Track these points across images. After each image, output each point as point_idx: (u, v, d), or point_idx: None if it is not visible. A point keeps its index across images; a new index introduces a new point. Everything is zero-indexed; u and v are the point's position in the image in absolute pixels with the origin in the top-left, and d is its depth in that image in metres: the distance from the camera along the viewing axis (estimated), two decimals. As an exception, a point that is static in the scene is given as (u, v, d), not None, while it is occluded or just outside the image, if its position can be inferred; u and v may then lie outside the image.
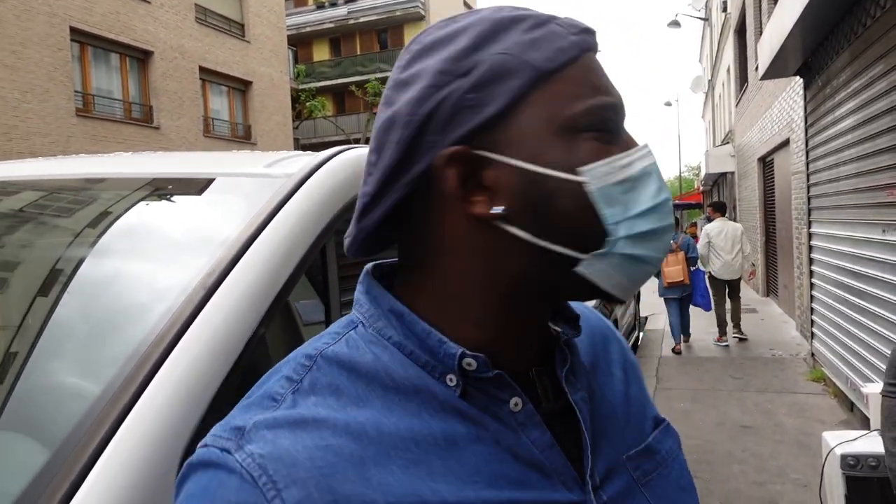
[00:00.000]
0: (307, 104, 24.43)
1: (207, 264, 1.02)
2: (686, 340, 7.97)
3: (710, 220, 8.76)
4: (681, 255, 7.49)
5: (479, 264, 0.53)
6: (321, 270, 1.24)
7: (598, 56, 0.56)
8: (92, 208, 1.34)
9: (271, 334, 1.16)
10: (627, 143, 0.54)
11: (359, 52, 29.78)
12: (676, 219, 8.52)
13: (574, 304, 0.67)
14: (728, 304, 8.03)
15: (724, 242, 7.73)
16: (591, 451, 0.56)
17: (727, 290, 7.95)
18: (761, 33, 7.23)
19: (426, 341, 0.53)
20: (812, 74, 6.22)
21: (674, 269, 7.45)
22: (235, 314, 0.97)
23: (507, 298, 0.54)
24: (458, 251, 0.53)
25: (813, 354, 6.52)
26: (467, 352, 0.52)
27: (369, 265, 0.60)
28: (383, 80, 26.62)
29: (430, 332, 0.53)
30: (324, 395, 0.50)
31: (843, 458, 2.89)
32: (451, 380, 0.52)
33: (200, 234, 1.17)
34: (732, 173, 16.57)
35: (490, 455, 0.51)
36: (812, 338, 6.56)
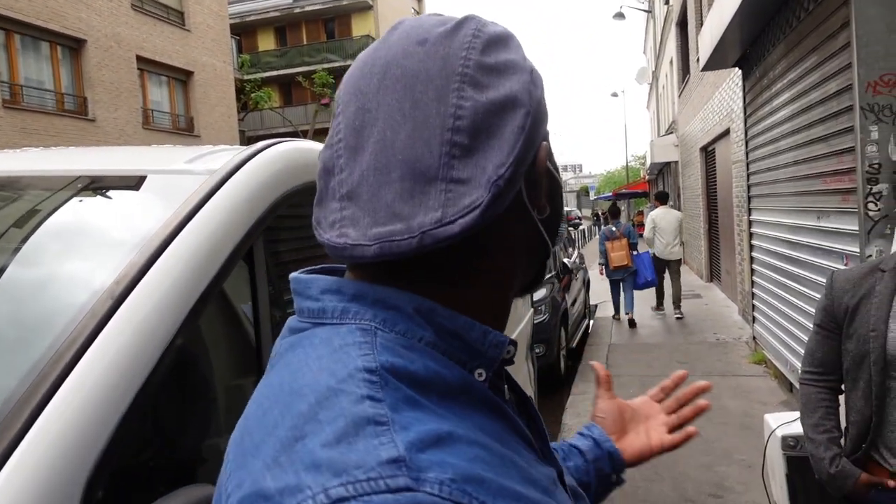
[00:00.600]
0: (252, 95, 23.81)
1: (117, 270, 0.93)
2: (632, 324, 8.71)
3: (654, 208, 9.70)
4: (624, 241, 8.49)
5: (524, 258, 0.56)
6: (248, 271, 1.16)
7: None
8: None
9: (217, 339, 1.08)
10: None
11: (305, 42, 29.20)
12: (619, 209, 9.40)
13: None
14: (669, 284, 9.00)
15: (667, 227, 8.74)
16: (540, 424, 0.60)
17: (667, 270, 8.96)
18: (702, 25, 7.38)
19: (467, 334, 0.50)
20: (750, 66, 6.39)
21: (619, 254, 8.46)
22: (147, 324, 0.89)
23: (523, 290, 0.60)
24: (512, 247, 0.54)
25: (754, 338, 6.74)
26: (511, 338, 0.52)
27: (321, 271, 0.55)
28: (331, 71, 26.20)
29: (472, 324, 0.50)
30: (413, 409, 0.43)
31: (784, 439, 2.97)
32: (480, 374, 0.50)
33: (111, 237, 1.07)
34: (676, 162, 16.99)
35: (518, 444, 0.51)
36: (753, 322, 6.77)
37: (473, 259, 0.52)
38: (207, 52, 17.38)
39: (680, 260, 8.97)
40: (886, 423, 1.70)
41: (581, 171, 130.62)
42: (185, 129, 16.79)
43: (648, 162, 21.78)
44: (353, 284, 0.51)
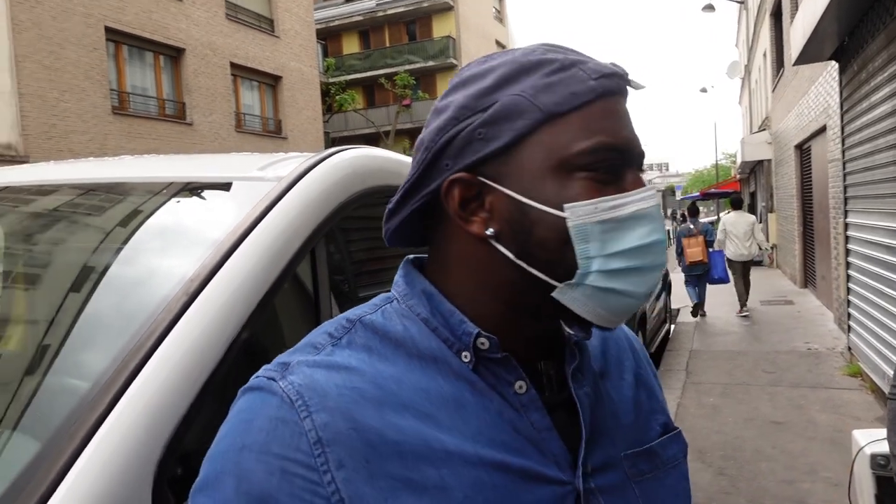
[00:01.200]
0: (337, 98, 24.58)
1: (192, 269, 1.03)
2: (702, 313, 9.34)
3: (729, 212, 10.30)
4: (701, 238, 8.99)
5: (480, 273, 0.61)
6: (312, 272, 1.24)
7: (630, 91, 0.62)
8: (78, 215, 1.37)
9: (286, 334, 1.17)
10: (629, 185, 0.59)
11: (388, 45, 29.82)
12: (697, 207, 10.12)
13: None
14: (740, 285, 9.37)
15: (738, 232, 9.18)
16: (586, 442, 0.61)
17: (738, 271, 9.31)
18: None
19: (449, 320, 0.61)
20: (847, 58, 6.00)
21: (695, 250, 8.97)
22: (216, 319, 0.97)
23: (505, 304, 0.61)
24: (463, 260, 0.62)
25: (850, 348, 6.33)
26: (483, 332, 0.59)
27: (410, 256, 0.68)
28: (412, 72, 26.64)
29: (453, 311, 0.61)
30: (357, 350, 0.59)
31: (874, 457, 2.79)
32: (465, 356, 0.59)
33: (190, 238, 1.18)
34: (769, 161, 16.13)
35: (493, 423, 0.58)
36: (849, 331, 6.36)
37: (447, 258, 0.64)
38: (295, 57, 18.10)
39: (750, 262, 9.43)
40: None
41: (667, 169, 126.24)
42: (273, 132, 17.56)
43: (739, 160, 20.79)
44: (412, 267, 0.66)
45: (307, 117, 18.64)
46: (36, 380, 1.07)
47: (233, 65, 15.78)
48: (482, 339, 0.59)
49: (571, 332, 0.65)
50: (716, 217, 12.51)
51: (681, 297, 10.31)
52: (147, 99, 13.91)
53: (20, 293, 1.35)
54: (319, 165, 1.33)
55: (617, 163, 0.58)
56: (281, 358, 0.59)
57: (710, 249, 9.11)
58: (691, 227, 9.23)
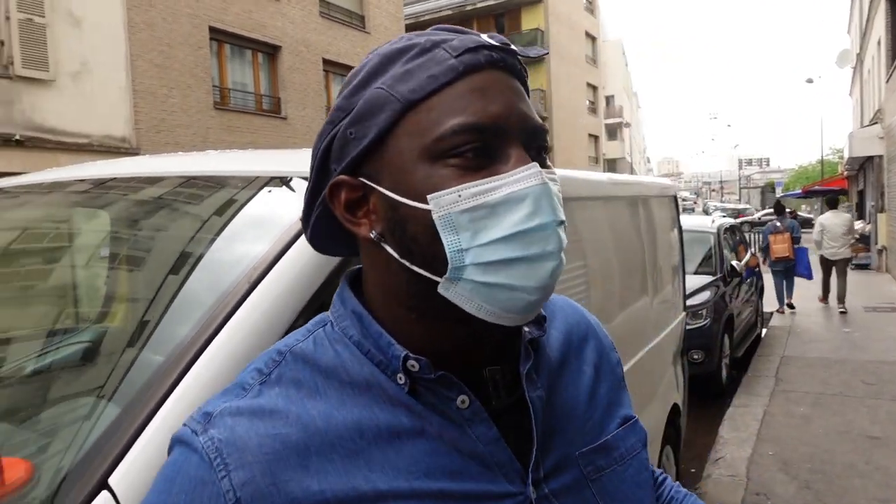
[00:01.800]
0: (424, 92, 24.87)
1: (256, 258, 1.11)
2: (791, 306, 9.63)
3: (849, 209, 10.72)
4: (787, 235, 9.31)
5: (382, 279, 0.59)
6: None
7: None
8: (166, 204, 1.50)
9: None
10: (511, 167, 0.53)
11: (476, 38, 29.83)
12: (783, 206, 10.29)
13: (557, 300, 0.72)
14: (834, 281, 9.61)
15: (835, 230, 9.44)
16: (539, 447, 0.59)
17: (833, 269, 9.59)
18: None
19: (378, 341, 0.58)
20: (974, 45, 5.47)
21: (781, 246, 9.25)
22: (274, 305, 1.05)
23: (410, 311, 0.58)
24: (370, 268, 0.61)
25: (965, 362, 5.80)
26: (411, 354, 0.56)
27: (352, 269, 0.66)
28: (500, 66, 26.52)
29: (381, 333, 0.58)
30: (286, 387, 0.57)
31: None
32: (400, 378, 0.57)
33: (259, 230, 1.27)
34: (880, 157, 14.92)
35: (431, 448, 0.56)
36: (964, 343, 5.82)
37: (364, 271, 0.62)
38: (384, 52, 18.49)
39: (847, 260, 9.62)
40: None
41: (768, 164, 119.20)
42: (362, 126, 18.03)
43: (847, 156, 19.37)
44: (346, 285, 0.63)
45: (394, 111, 18.99)
46: (124, 353, 1.20)
47: (325, 61, 16.32)
48: (412, 362, 0.56)
49: (526, 329, 0.63)
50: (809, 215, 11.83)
51: (773, 300, 9.77)
52: (246, 94, 14.65)
53: (122, 274, 1.50)
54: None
55: (488, 144, 0.54)
56: (206, 405, 0.57)
57: (796, 246, 9.38)
58: (778, 224, 9.45)
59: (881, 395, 5.54)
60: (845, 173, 25.24)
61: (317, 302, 1.13)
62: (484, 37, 0.56)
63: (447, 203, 0.53)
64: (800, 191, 33.27)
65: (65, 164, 2.03)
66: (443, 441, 0.56)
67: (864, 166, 19.66)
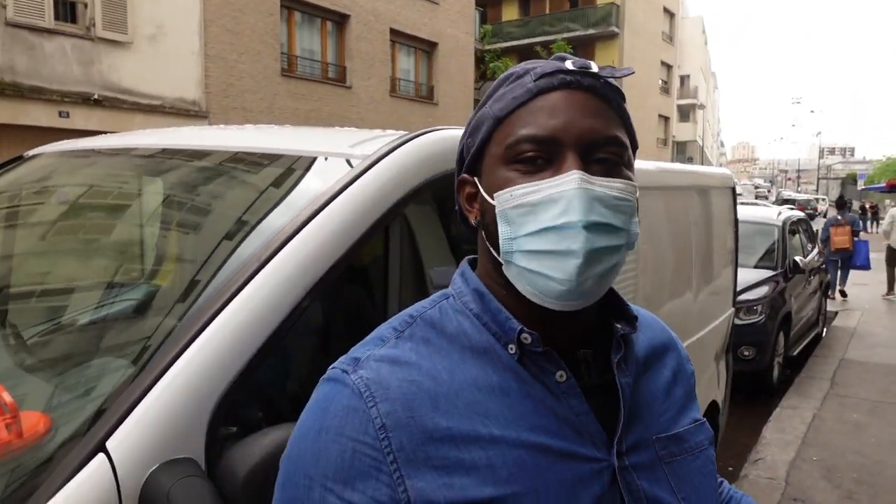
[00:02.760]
0: (491, 65, 24.58)
1: (267, 238, 1.15)
2: (843, 293, 10.38)
3: None
4: (847, 227, 10.10)
5: (483, 259, 0.74)
6: (383, 249, 1.32)
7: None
8: (179, 179, 1.56)
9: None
10: (557, 174, 0.65)
11: (548, 11, 29.14)
12: (845, 200, 11.25)
13: (644, 313, 0.85)
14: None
15: None
16: (623, 425, 0.69)
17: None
18: None
19: (497, 316, 0.70)
20: None
21: (841, 238, 10.00)
22: (282, 285, 1.09)
23: (504, 288, 0.71)
24: (482, 253, 0.74)
25: None
26: (525, 329, 0.68)
27: (469, 256, 0.79)
28: (570, 41, 25.90)
29: (500, 309, 0.70)
30: (417, 343, 0.69)
31: None
32: (511, 349, 0.68)
33: (276, 208, 1.31)
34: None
35: (534, 409, 0.67)
36: None
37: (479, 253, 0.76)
38: (452, 24, 18.31)
39: None
40: None
41: (852, 154, 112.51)
42: (426, 97, 18.02)
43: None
44: (469, 267, 0.76)
45: (459, 84, 18.87)
46: (161, 315, 1.27)
47: (392, 31, 16.31)
48: (525, 335, 0.67)
49: (619, 325, 0.73)
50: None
51: (839, 299, 9.31)
52: (313, 63, 14.84)
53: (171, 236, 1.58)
54: (405, 145, 1.40)
55: (546, 153, 0.66)
56: (353, 352, 0.69)
57: (856, 238, 10.19)
58: (839, 217, 10.30)
59: (946, 409, 5.23)
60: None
61: (328, 281, 1.16)
62: (567, 63, 0.67)
63: (503, 200, 0.67)
64: (884, 184, 31.27)
65: (139, 125, 2.14)
66: (544, 405, 0.67)
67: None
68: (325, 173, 1.33)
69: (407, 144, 1.40)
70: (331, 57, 15.25)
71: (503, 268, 0.69)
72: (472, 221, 0.74)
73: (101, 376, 1.17)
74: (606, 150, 0.67)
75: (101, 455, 0.88)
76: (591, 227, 0.63)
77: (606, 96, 0.68)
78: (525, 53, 29.11)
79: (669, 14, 32.53)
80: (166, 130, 2.04)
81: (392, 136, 1.51)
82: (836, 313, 9.18)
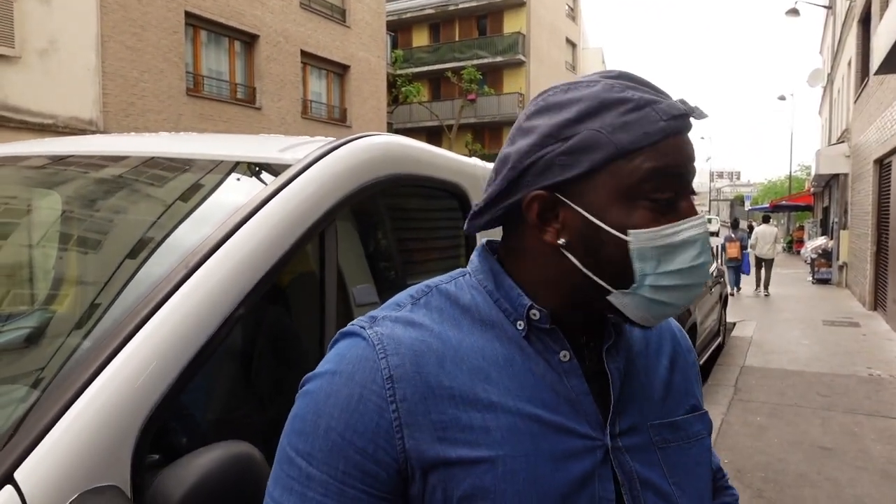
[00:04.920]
0: (403, 89, 24.79)
1: (194, 244, 1.07)
2: (737, 290, 14.00)
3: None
4: (738, 243, 13.86)
5: (547, 269, 0.73)
6: (318, 255, 1.26)
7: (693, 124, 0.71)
8: (106, 184, 1.43)
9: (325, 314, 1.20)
10: (682, 213, 0.69)
11: (457, 38, 29.84)
12: (738, 220, 16.44)
13: None
14: (763, 274, 14.10)
15: (764, 238, 14.05)
16: (615, 407, 0.72)
17: (763, 265, 14.11)
18: (881, 23, 6.59)
19: (510, 293, 0.73)
20: (936, 69, 5.63)
21: (733, 250, 13.76)
22: (212, 294, 1.01)
23: (562, 298, 0.73)
24: (534, 258, 0.74)
25: (915, 377, 5.96)
26: (535, 305, 0.72)
27: (484, 240, 0.81)
28: (480, 67, 26.61)
29: (514, 287, 0.73)
30: (431, 311, 0.72)
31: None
32: (519, 325, 0.72)
33: (196, 216, 1.22)
34: (845, 175, 15.30)
35: (535, 383, 0.70)
36: (916, 359, 5.99)
37: (517, 251, 0.76)
38: (364, 47, 18.36)
39: (772, 259, 14.06)
40: None
41: (738, 178, 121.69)
42: (338, 120, 17.89)
43: (814, 173, 19.81)
44: (486, 250, 0.78)
45: (372, 107, 18.89)
46: (60, 339, 1.14)
47: (303, 52, 16.14)
48: (534, 311, 0.71)
49: (611, 315, 0.76)
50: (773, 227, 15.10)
51: (736, 311, 9.94)
52: (220, 82, 14.40)
53: (71, 256, 1.43)
54: (338, 150, 1.35)
55: (672, 192, 0.68)
56: (372, 313, 0.73)
57: (744, 251, 13.96)
58: (732, 235, 14.17)
59: (834, 408, 5.66)
60: (812, 190, 25.85)
61: (263, 288, 1.09)
62: (679, 104, 0.69)
63: (644, 238, 0.67)
64: (768, 205, 33.98)
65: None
66: (544, 380, 0.70)
67: (829, 183, 20.15)
68: (256, 179, 1.25)
69: (340, 149, 1.35)
70: (239, 77, 14.86)
71: (611, 296, 0.70)
72: (552, 240, 0.71)
73: (4, 405, 1.03)
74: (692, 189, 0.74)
75: (8, 487, 0.77)
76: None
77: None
78: (436, 79, 29.64)
79: (571, 44, 34.16)
80: (65, 138, 1.88)
81: (321, 141, 1.46)
82: (735, 324, 9.78)
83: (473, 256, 0.79)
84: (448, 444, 0.65)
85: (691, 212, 0.69)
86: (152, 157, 1.45)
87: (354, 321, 0.72)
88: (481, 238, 0.82)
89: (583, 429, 0.69)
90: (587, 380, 0.72)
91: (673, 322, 0.89)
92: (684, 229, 0.68)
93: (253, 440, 0.95)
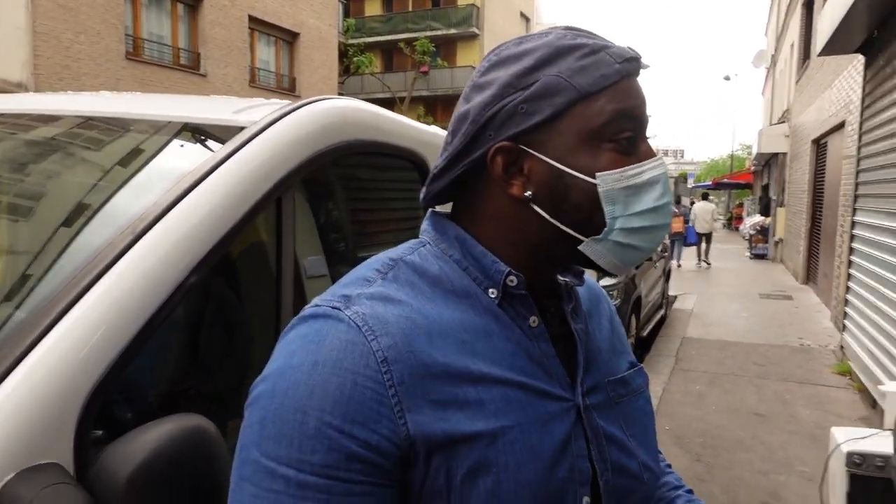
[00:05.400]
0: (354, 59, 24.28)
1: (142, 209, 1.01)
2: (679, 265, 14.66)
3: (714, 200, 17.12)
4: (681, 217, 14.72)
5: (514, 228, 0.71)
6: (276, 222, 1.22)
7: (643, 70, 0.71)
8: (56, 143, 1.34)
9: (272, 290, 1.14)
10: (643, 155, 0.69)
11: (411, 9, 29.34)
12: (680, 196, 16.20)
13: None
14: (703, 247, 15.32)
15: (702, 214, 15.60)
16: (582, 368, 0.74)
17: (703, 239, 15.40)
18: (823, 6, 6.79)
19: (481, 261, 0.71)
20: (875, 52, 5.85)
21: (677, 225, 14.29)
22: (161, 262, 0.96)
23: (531, 254, 0.72)
24: (499, 218, 0.72)
25: (842, 347, 6.31)
26: (512, 271, 0.70)
27: (431, 210, 0.77)
28: (433, 39, 26.26)
29: (486, 253, 0.71)
30: (402, 285, 0.68)
31: (850, 455, 2.79)
32: (492, 293, 0.70)
33: (145, 179, 1.16)
34: (784, 154, 15.89)
35: (513, 350, 0.69)
36: (843, 330, 6.33)
37: (480, 213, 0.73)
38: (315, 14, 17.84)
39: (711, 233, 15.56)
40: None
41: (682, 156, 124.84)
42: (287, 89, 17.40)
43: (755, 152, 20.50)
44: (441, 217, 0.75)
45: (322, 76, 18.43)
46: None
47: (251, 18, 15.56)
48: (511, 277, 0.70)
49: (565, 279, 0.78)
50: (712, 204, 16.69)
51: (678, 285, 10.27)
52: (162, 47, 13.77)
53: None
54: (296, 112, 1.30)
55: (634, 134, 0.68)
56: (338, 290, 0.67)
57: (687, 224, 15.28)
58: (676, 210, 14.02)
59: (768, 376, 5.95)
60: (752, 168, 26.76)
61: (217, 256, 1.04)
62: (630, 49, 0.70)
63: (612, 180, 0.67)
64: (710, 182, 35.02)
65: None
66: (520, 347, 0.69)
67: (769, 162, 20.90)
68: (208, 141, 1.19)
69: (299, 111, 1.30)
70: (183, 42, 14.24)
71: (582, 245, 0.69)
72: (519, 193, 0.69)
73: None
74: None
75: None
76: None
77: None
78: (389, 50, 29.13)
79: (525, 19, 34.06)
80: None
81: (278, 103, 1.40)
82: (676, 297, 10.11)
83: (426, 226, 0.76)
84: (449, 422, 0.62)
85: (651, 153, 0.70)
86: (90, 118, 1.36)
87: (319, 301, 0.66)
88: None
89: (557, 391, 0.70)
90: (553, 343, 0.72)
91: (596, 284, 0.91)
92: (648, 169, 0.69)
93: (203, 413, 0.92)
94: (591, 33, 0.71)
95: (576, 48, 0.68)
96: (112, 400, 0.98)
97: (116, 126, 1.34)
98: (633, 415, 0.79)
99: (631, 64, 0.69)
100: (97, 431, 0.93)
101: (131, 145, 1.27)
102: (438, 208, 0.78)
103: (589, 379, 0.74)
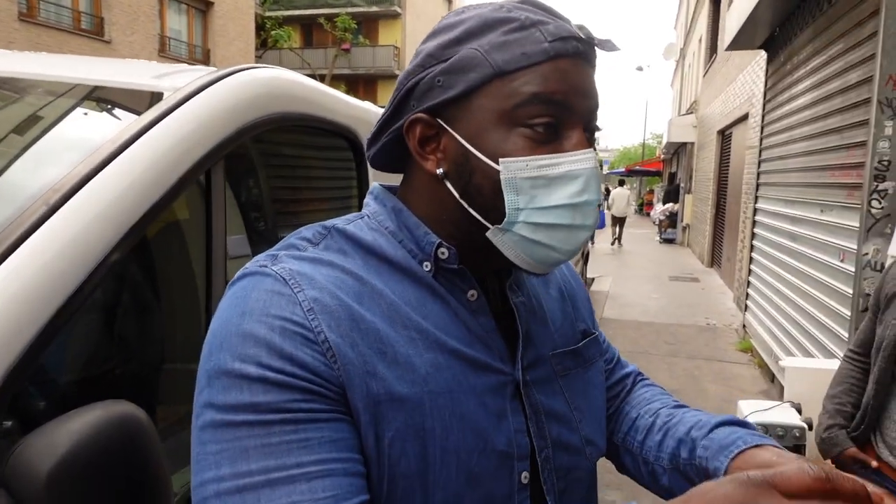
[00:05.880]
0: (273, 33, 23.40)
1: (56, 179, 0.91)
2: (592, 244, 14.21)
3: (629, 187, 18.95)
4: None
5: (435, 203, 0.69)
6: (204, 194, 1.14)
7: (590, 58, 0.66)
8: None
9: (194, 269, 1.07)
10: (569, 146, 0.64)
11: (331, -17, 28.54)
12: (622, 180, 16.23)
13: None
14: (618, 230, 16.60)
15: (619, 199, 16.42)
16: (523, 342, 0.72)
17: (618, 223, 16.55)
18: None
19: (414, 232, 0.69)
20: (776, 49, 6.21)
21: None
22: (80, 237, 0.87)
23: (457, 230, 0.69)
24: (422, 191, 0.70)
25: (744, 326, 6.73)
26: (444, 242, 0.68)
27: (376, 184, 0.75)
28: (354, 16, 25.69)
29: (419, 224, 0.69)
30: (333, 252, 0.66)
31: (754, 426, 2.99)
32: (427, 266, 0.68)
33: (62, 146, 1.05)
34: (693, 144, 16.73)
35: (450, 320, 0.67)
36: (745, 310, 6.76)
37: (413, 186, 0.72)
38: (229, -17, 17.01)
39: (625, 218, 16.72)
40: (885, 409, 1.74)
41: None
42: (200, 61, 16.56)
43: (665, 141, 21.46)
44: (384, 190, 0.74)
45: (238, 49, 17.66)
46: None
47: (160, -17, 14.66)
48: (443, 249, 0.67)
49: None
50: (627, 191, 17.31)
51: (595, 267, 10.64)
52: (60, 9, 12.74)
53: None
54: (224, 80, 1.21)
55: (556, 121, 0.63)
56: (266, 252, 0.66)
57: (601, 210, 16.77)
58: None
59: (678, 354, 6.28)
60: (662, 156, 28.03)
61: (140, 232, 0.96)
62: (574, 27, 0.64)
63: (515, 169, 0.62)
64: (623, 169, 36.44)
65: None
66: (458, 317, 0.67)
67: (678, 151, 21.93)
68: (126, 108, 1.09)
69: (227, 80, 1.22)
70: (84, 5, 13.23)
71: (488, 233, 0.65)
72: (432, 168, 0.67)
73: None
74: (595, 122, 0.68)
75: None
76: (597, 205, 0.67)
77: (594, 69, 0.68)
78: (309, 24, 28.26)
79: (449, 0, 33.94)
80: None
81: (203, 70, 1.31)
82: (594, 279, 10.47)
83: (368, 199, 0.74)
84: (377, 379, 0.60)
85: (580, 145, 0.64)
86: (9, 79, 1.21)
87: (249, 264, 0.64)
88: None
89: (496, 364, 0.68)
90: (494, 318, 0.70)
91: None
92: (565, 162, 0.63)
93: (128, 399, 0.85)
94: (542, 7, 0.66)
95: (505, 21, 0.63)
96: (23, 390, 0.89)
97: (14, 87, 1.20)
98: (581, 387, 0.78)
99: (567, 44, 0.63)
100: (6, 423, 0.84)
101: (31, 110, 1.15)
102: (387, 182, 0.77)
103: (530, 353, 0.72)
